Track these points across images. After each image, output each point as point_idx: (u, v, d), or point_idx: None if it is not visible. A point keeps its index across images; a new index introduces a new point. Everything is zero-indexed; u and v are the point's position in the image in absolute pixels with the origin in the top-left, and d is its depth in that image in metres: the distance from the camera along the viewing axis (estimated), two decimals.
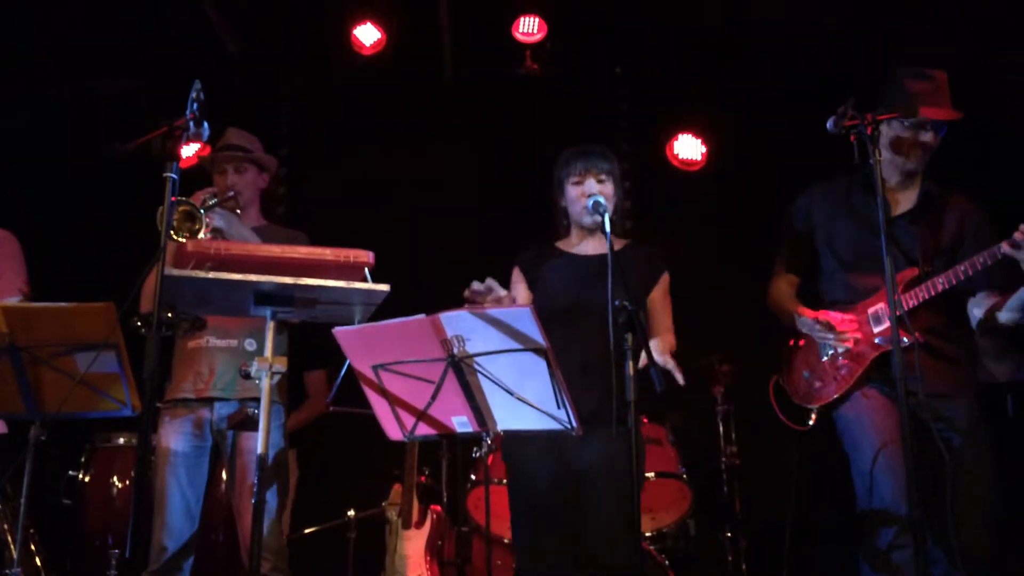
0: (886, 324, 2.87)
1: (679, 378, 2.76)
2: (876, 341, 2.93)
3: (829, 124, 2.72)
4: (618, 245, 2.95)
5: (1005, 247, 2.70)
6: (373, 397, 2.51)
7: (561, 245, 3.16)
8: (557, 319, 2.92)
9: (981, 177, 3.16)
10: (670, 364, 2.79)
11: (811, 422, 3.08)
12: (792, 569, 4.19)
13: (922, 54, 3.08)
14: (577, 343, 2.87)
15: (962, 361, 2.97)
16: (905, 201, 3.06)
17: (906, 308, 2.84)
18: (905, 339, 2.68)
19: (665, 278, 3.10)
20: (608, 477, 2.79)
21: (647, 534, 3.99)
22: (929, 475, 2.75)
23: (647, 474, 3.88)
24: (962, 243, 2.98)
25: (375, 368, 2.45)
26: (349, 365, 2.46)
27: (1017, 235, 2.68)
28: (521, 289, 3.10)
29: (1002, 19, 4.62)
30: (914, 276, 2.91)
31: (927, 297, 2.84)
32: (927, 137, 2.98)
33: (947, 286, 2.81)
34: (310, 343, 3.51)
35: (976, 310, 2.97)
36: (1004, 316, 2.87)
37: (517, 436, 2.56)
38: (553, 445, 2.85)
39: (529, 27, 5.31)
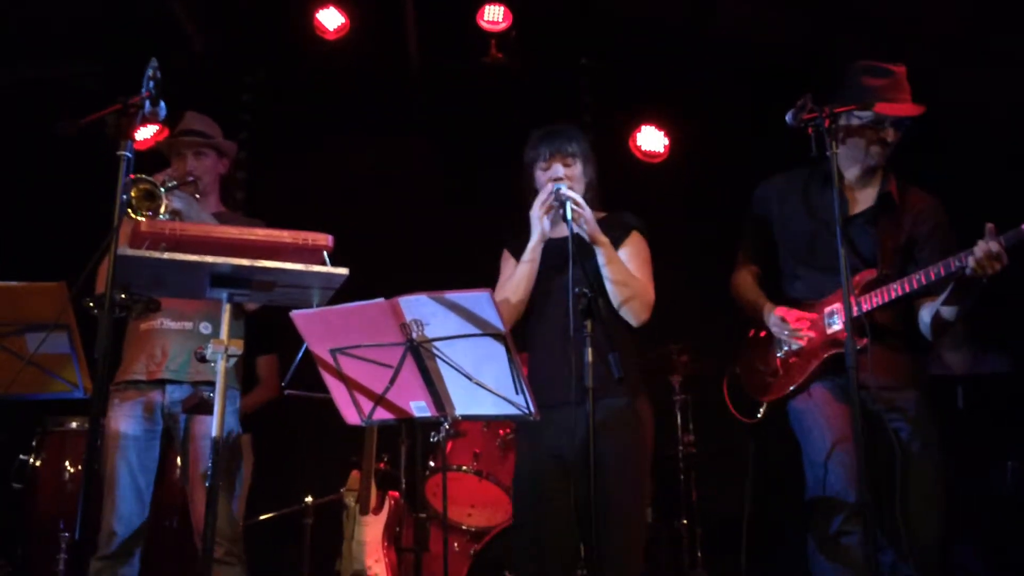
0: (840, 325, 2.89)
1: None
2: (829, 340, 2.95)
3: (788, 117, 2.73)
4: (596, 218, 2.94)
5: (961, 262, 2.69)
6: (331, 381, 2.49)
7: None
8: (536, 302, 2.95)
9: (934, 183, 3.15)
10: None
11: (760, 415, 3.12)
12: (748, 557, 4.25)
13: (879, 53, 3.06)
14: (552, 326, 2.87)
15: (912, 353, 3.00)
16: (864, 199, 3.04)
17: (862, 311, 2.84)
18: (857, 343, 2.69)
19: (634, 236, 3.04)
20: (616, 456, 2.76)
21: None
22: (879, 464, 2.80)
23: None
24: (918, 245, 2.98)
25: (333, 352, 2.43)
26: (305, 349, 2.44)
27: (977, 254, 2.65)
28: (509, 272, 3.07)
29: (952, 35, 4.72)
30: (872, 278, 2.91)
31: (882, 303, 2.85)
32: (885, 133, 2.95)
33: (902, 293, 2.81)
34: (261, 327, 3.47)
35: (926, 317, 2.96)
36: (945, 311, 2.89)
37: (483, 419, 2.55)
38: (549, 428, 2.78)
39: (494, 16, 5.30)
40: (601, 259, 2.89)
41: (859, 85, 2.96)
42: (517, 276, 2.95)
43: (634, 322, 2.90)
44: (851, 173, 3.05)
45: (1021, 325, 3.23)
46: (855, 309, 2.80)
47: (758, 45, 5.27)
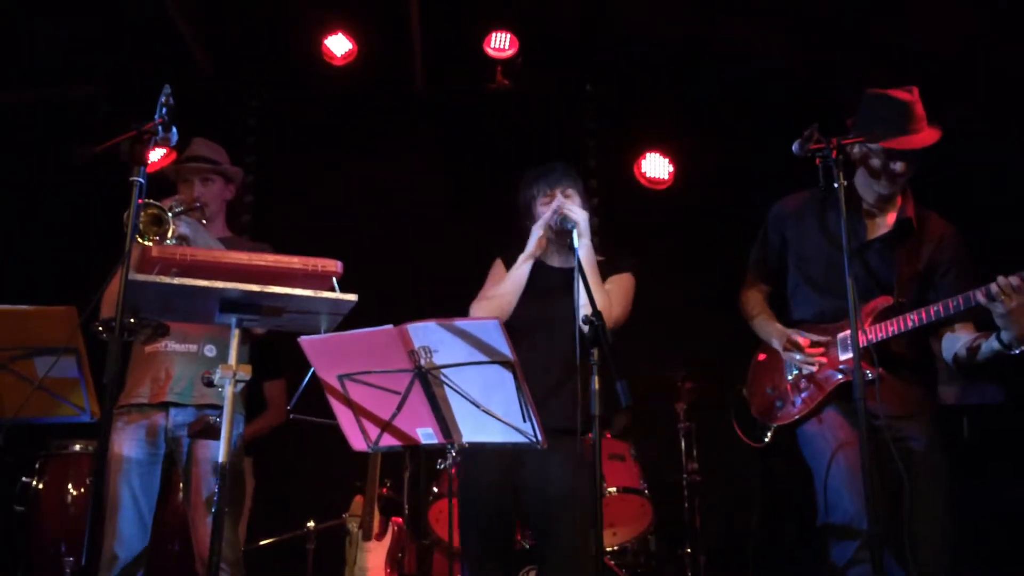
0: (851, 353, 2.88)
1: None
2: (841, 368, 2.93)
3: (795, 147, 2.72)
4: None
5: (980, 297, 2.70)
6: (337, 407, 2.49)
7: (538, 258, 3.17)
8: (523, 328, 2.95)
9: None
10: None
11: (767, 439, 3.10)
12: None
13: (879, 76, 3.06)
14: (541, 354, 2.88)
15: (921, 382, 2.99)
16: (882, 224, 3.02)
17: (874, 340, 2.83)
18: (868, 373, 2.70)
19: (626, 276, 3.10)
20: (572, 492, 2.80)
21: (608, 549, 4.00)
22: (889, 493, 2.79)
23: (610, 489, 3.88)
24: (936, 273, 2.96)
25: (341, 378, 2.43)
26: (312, 374, 2.44)
27: (993, 287, 2.67)
28: (499, 275, 3.10)
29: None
30: (887, 306, 2.89)
31: (897, 332, 2.84)
32: (896, 166, 2.92)
33: (918, 324, 2.80)
34: (268, 352, 3.47)
35: (953, 345, 2.94)
36: (980, 357, 2.87)
37: (477, 448, 2.55)
38: (512, 457, 2.85)
39: (500, 43, 5.35)
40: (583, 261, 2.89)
41: (869, 115, 2.94)
42: (509, 279, 3.00)
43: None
44: (869, 198, 3.03)
45: (1012, 357, 3.26)
46: (865, 338, 2.81)
47: (760, 70, 5.31)
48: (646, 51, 5.45)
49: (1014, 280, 2.65)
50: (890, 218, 3.04)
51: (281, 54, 5.46)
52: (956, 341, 2.94)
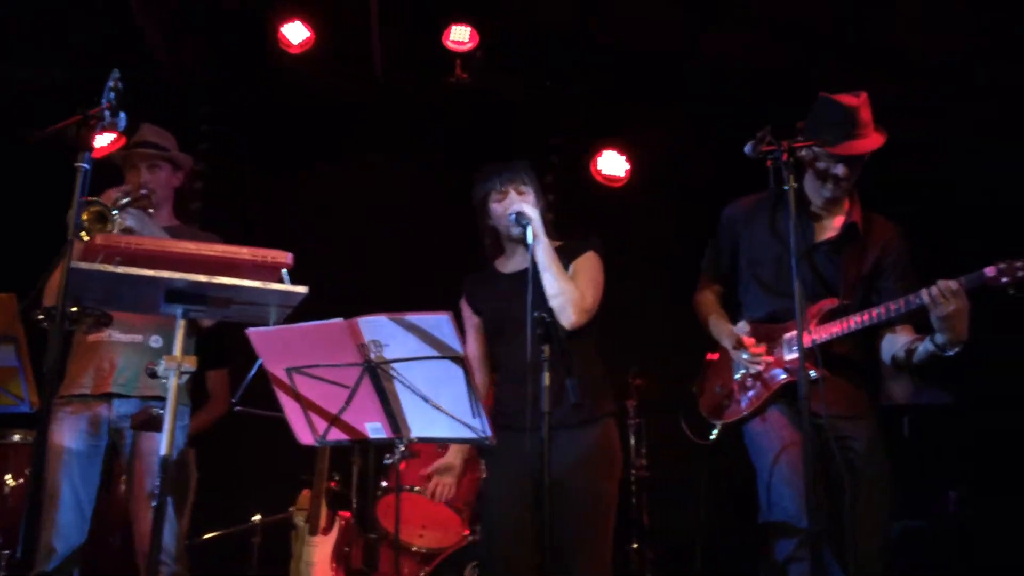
0: (797, 354, 2.93)
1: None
2: (786, 367, 2.98)
3: (747, 148, 2.76)
4: (553, 246, 2.99)
5: (919, 300, 2.77)
6: (285, 400, 2.46)
7: (498, 264, 3.19)
8: (499, 338, 2.99)
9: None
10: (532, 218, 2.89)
11: (713, 437, 3.15)
12: None
13: (848, 84, 3.11)
14: (514, 359, 2.90)
15: (865, 383, 3.05)
16: (830, 227, 3.08)
17: (819, 341, 2.89)
18: (813, 372, 2.74)
19: (588, 254, 3.07)
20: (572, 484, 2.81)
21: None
22: (830, 492, 2.84)
23: None
24: (881, 276, 3.02)
25: (289, 371, 2.40)
26: (259, 366, 2.41)
27: (933, 290, 2.73)
28: (471, 336, 3.13)
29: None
30: (832, 307, 2.95)
31: (841, 333, 2.90)
32: (838, 170, 2.97)
33: (861, 326, 2.87)
34: (212, 341, 3.43)
35: (892, 347, 3.01)
36: (916, 359, 2.94)
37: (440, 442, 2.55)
38: (513, 454, 2.83)
39: (461, 36, 5.32)
40: (544, 273, 2.91)
41: (818, 119, 2.99)
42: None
43: (566, 325, 2.91)
44: (817, 201, 3.08)
45: (962, 360, 3.34)
46: (811, 339, 2.87)
47: (721, 72, 5.36)
48: (606, 49, 5.47)
49: (952, 284, 2.72)
50: (837, 221, 3.10)
51: (237, 40, 5.37)
52: (895, 343, 3.00)
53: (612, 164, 5.67)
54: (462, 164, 3.53)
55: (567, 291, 2.92)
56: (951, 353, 2.81)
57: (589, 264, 3.06)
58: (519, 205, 2.95)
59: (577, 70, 5.56)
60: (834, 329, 2.92)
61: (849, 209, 3.09)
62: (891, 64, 4.88)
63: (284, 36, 5.22)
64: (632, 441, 4.48)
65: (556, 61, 5.57)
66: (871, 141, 2.97)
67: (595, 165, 5.67)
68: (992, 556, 4.42)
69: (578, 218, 5.45)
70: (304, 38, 5.24)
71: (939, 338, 2.80)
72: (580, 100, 5.63)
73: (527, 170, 3.10)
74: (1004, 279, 2.73)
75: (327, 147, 5.41)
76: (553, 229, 3.07)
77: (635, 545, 4.36)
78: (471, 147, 5.00)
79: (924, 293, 2.76)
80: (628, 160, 5.66)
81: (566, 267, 3.00)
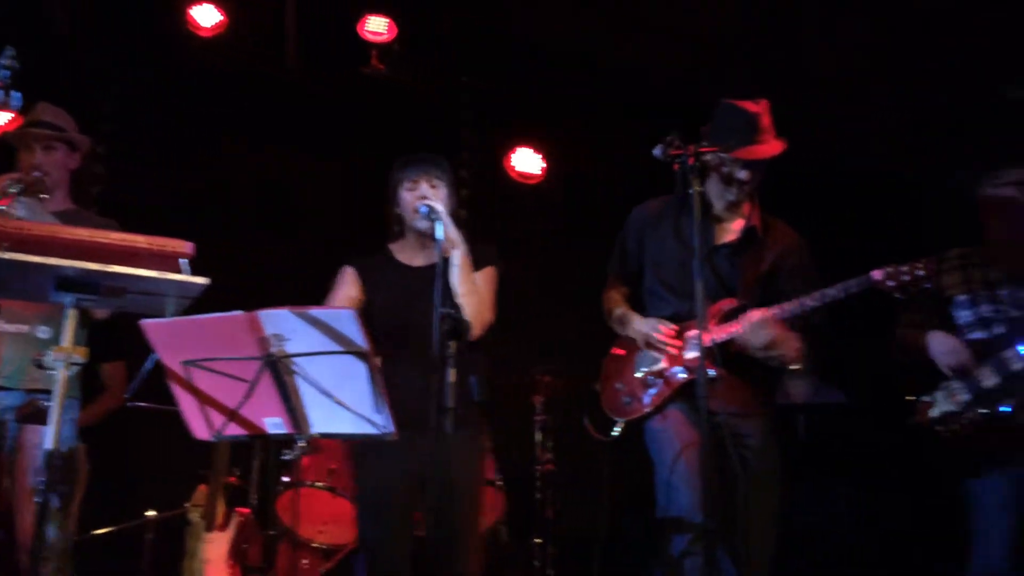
0: (697, 352, 3.01)
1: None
2: (687, 366, 3.06)
3: (656, 151, 2.84)
4: None
5: (808, 303, 2.92)
6: (180, 394, 2.39)
7: (395, 251, 3.15)
8: (395, 332, 2.94)
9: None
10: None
11: (615, 434, 3.20)
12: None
13: (751, 91, 3.20)
14: (414, 355, 2.87)
15: (761, 382, 3.15)
16: (731, 231, 3.17)
17: (718, 340, 2.98)
18: (712, 371, 2.84)
19: (490, 271, 3.09)
20: (470, 481, 2.89)
21: None
22: (725, 488, 2.93)
23: None
24: (781, 278, 3.12)
25: (185, 364, 2.34)
26: (156, 359, 2.34)
27: (749, 321, 2.95)
28: (347, 290, 3.05)
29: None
30: (732, 308, 3.04)
31: (738, 332, 3.00)
32: (742, 174, 3.07)
33: None
34: (109, 332, 3.31)
35: None
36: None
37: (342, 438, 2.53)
38: (404, 448, 2.81)
39: (377, 27, 5.26)
40: (454, 271, 2.92)
41: (719, 126, 3.09)
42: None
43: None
44: (718, 205, 3.17)
45: (855, 361, 3.51)
46: (709, 338, 2.95)
47: (632, 73, 5.44)
48: (523, 46, 5.49)
49: (755, 316, 2.93)
50: (737, 225, 3.19)
51: (144, 19, 5.18)
52: None
53: (527, 162, 5.70)
54: (374, 156, 3.50)
55: (473, 305, 2.94)
56: (795, 367, 3.02)
57: (489, 280, 3.09)
58: (431, 200, 2.94)
59: (494, 66, 5.57)
60: (732, 329, 3.00)
61: (749, 213, 3.19)
62: (791, 75, 5.04)
63: (193, 18, 5.07)
64: (539, 437, 4.51)
65: (473, 57, 5.57)
66: (773, 147, 3.07)
67: (509, 162, 5.69)
68: (882, 551, 4.61)
69: (492, 214, 5.47)
70: (216, 21, 5.10)
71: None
72: (496, 96, 5.64)
73: (443, 165, 3.10)
74: (889, 283, 2.87)
75: (236, 134, 5.27)
76: (463, 228, 3.07)
77: (538, 540, 4.40)
78: (384, 139, 4.96)
79: (818, 296, 2.92)
80: (544, 158, 5.70)
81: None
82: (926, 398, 3.26)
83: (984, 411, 3.13)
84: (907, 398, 3.33)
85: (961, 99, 4.93)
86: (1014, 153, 3.44)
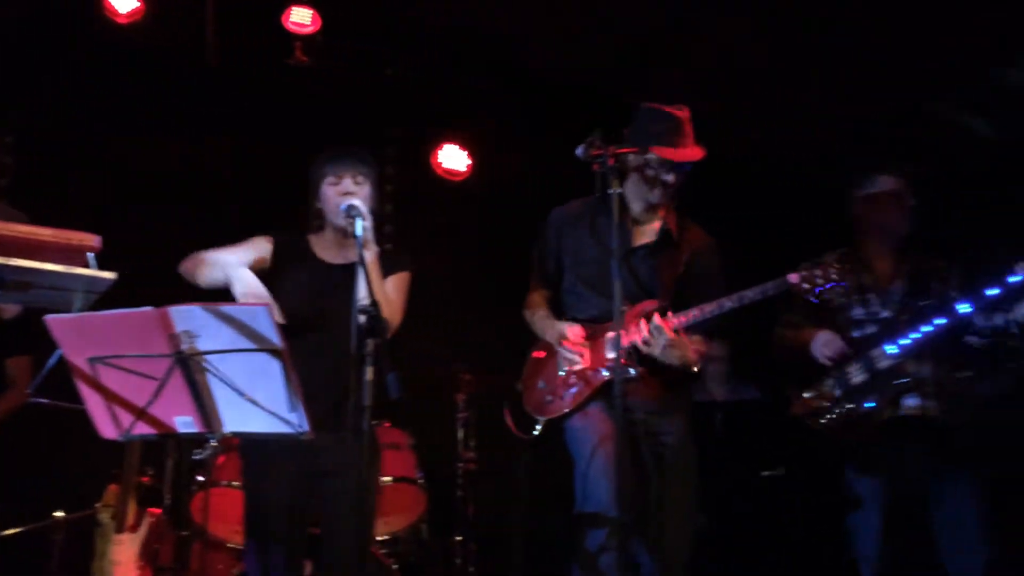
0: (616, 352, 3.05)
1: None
2: (607, 365, 3.09)
3: (578, 151, 2.88)
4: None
5: (728, 303, 3.00)
6: (86, 392, 2.33)
7: (313, 242, 3.10)
8: (301, 327, 2.86)
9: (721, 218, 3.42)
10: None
11: (536, 432, 3.23)
12: (522, 573, 4.36)
13: (677, 95, 3.26)
14: (322, 351, 2.83)
15: (678, 381, 3.20)
16: (648, 233, 3.22)
17: (637, 340, 3.03)
18: (632, 371, 2.91)
19: (404, 276, 3.07)
20: (347, 482, 2.79)
21: (379, 538, 3.99)
22: (642, 484, 3.00)
23: (384, 478, 3.88)
24: (690, 282, 3.19)
25: (91, 361, 2.28)
26: (60, 356, 2.27)
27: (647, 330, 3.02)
28: (254, 253, 2.98)
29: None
30: (651, 308, 3.09)
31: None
32: (668, 177, 3.12)
33: (681, 326, 3.04)
34: (14, 325, 3.20)
35: None
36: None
37: (255, 437, 2.48)
38: (293, 447, 2.78)
39: (301, 17, 5.19)
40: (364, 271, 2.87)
41: (642, 128, 3.14)
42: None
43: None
44: (636, 207, 3.22)
45: (767, 358, 3.64)
46: (629, 339, 3.01)
47: (564, 71, 5.48)
48: (450, 41, 5.47)
49: (657, 324, 3.00)
50: (654, 227, 3.24)
51: (59, 3, 5.01)
52: None
53: (453, 158, 5.68)
54: (297, 149, 3.45)
55: (382, 305, 2.91)
56: (695, 370, 3.14)
57: (402, 285, 3.06)
58: (353, 199, 2.90)
59: (420, 61, 5.54)
60: (645, 331, 3.05)
61: (665, 216, 3.24)
62: (714, 77, 5.14)
63: (110, 4, 4.92)
64: (460, 435, 4.52)
65: (399, 51, 5.53)
66: (696, 152, 3.14)
67: (436, 158, 5.67)
68: (797, 544, 4.74)
69: (417, 210, 5.45)
70: (133, 8, 4.96)
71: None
72: (423, 91, 5.61)
73: (368, 161, 3.05)
74: (805, 285, 2.96)
75: (151, 124, 5.13)
76: (388, 222, 3.05)
77: (459, 538, 4.40)
78: (307, 132, 4.88)
79: (734, 298, 3.00)
80: (470, 156, 5.69)
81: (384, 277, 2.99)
82: (807, 394, 3.41)
83: (851, 406, 3.32)
84: (785, 392, 3.50)
85: (885, 103, 5.11)
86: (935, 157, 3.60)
